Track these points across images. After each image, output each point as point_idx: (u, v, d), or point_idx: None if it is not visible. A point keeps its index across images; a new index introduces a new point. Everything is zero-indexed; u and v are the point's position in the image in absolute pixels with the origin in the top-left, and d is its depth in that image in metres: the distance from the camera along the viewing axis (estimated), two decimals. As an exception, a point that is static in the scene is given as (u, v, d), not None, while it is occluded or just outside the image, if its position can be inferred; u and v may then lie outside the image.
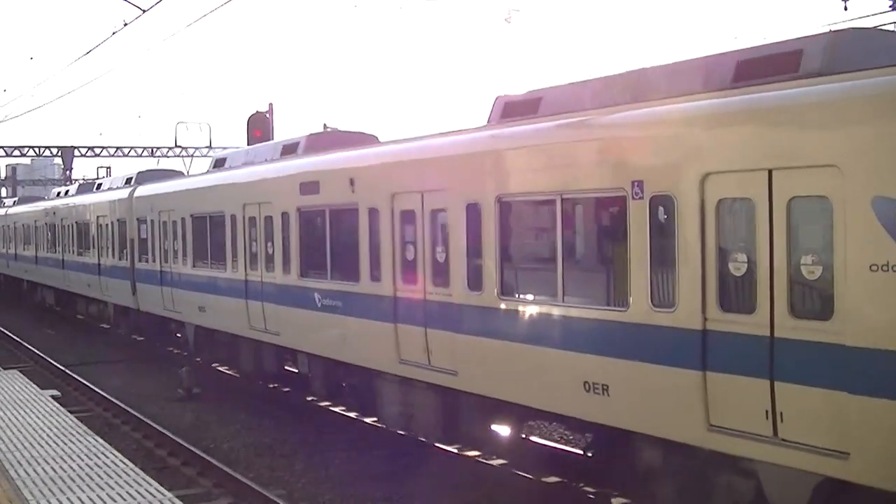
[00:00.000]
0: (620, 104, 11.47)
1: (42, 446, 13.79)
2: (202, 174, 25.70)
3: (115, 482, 11.84)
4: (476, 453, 16.36)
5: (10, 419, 15.75)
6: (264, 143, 24.50)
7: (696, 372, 9.81)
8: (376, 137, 19.83)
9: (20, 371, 22.61)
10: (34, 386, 19.38)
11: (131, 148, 68.91)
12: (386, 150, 16.49)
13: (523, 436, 15.98)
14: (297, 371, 20.29)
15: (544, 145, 12.35)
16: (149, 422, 19.84)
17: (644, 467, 11.13)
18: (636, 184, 10.58)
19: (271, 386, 22.86)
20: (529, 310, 12.37)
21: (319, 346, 17.89)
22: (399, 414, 15.88)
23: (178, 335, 26.46)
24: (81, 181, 50.70)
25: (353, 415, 19.94)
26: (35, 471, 12.41)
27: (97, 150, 69.09)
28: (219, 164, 24.36)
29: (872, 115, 8.51)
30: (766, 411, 9.12)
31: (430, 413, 15.07)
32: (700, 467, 10.23)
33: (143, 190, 28.16)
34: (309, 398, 21.25)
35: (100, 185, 36.70)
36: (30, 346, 31.98)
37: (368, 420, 19.03)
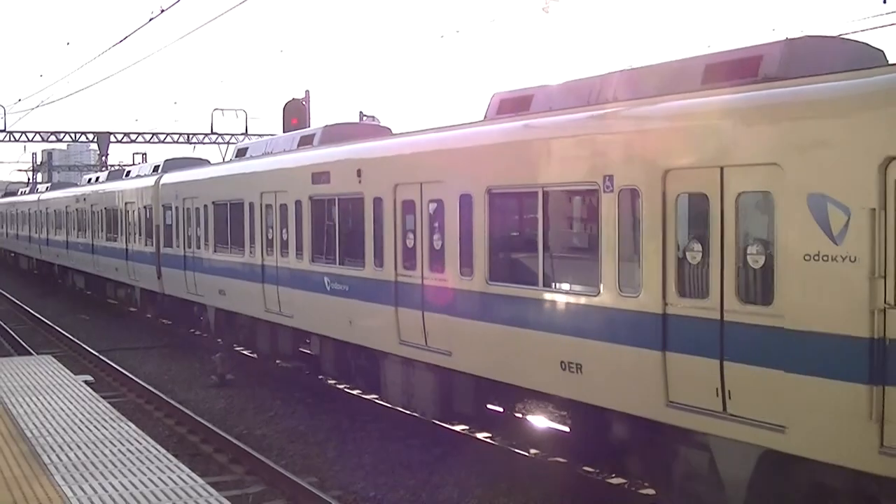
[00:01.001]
0: (600, 104, 12.46)
1: (74, 431, 13.74)
2: (224, 163, 26.87)
3: (148, 468, 11.76)
4: (510, 443, 16.21)
5: (43, 404, 15.73)
6: (284, 134, 25.07)
7: (657, 352, 10.80)
8: (390, 129, 20.97)
9: (54, 356, 22.64)
10: (67, 371, 19.36)
11: (167, 134, 68.94)
12: (389, 143, 17.52)
13: (519, 415, 16.93)
14: (310, 353, 21.07)
15: (528, 141, 13.33)
16: (182, 408, 19.83)
17: (615, 442, 12.29)
18: (607, 178, 11.54)
19: (292, 367, 22.77)
20: (514, 294, 13.32)
21: (328, 327, 18.93)
22: (401, 392, 16.76)
23: (201, 318, 27.29)
24: (113, 168, 51.08)
25: (386, 403, 19.83)
26: (67, 456, 12.35)
27: (133, 137, 69.19)
28: (241, 153, 25.30)
29: (810, 117, 9.36)
30: (717, 389, 10.11)
31: (427, 391, 15.97)
32: (662, 441, 11.27)
33: (169, 178, 29.05)
34: (341, 385, 21.17)
35: (129, 172, 37.69)
36: (63, 332, 32.12)
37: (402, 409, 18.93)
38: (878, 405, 8.63)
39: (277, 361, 23.58)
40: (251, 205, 21.96)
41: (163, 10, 22.39)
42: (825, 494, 9.55)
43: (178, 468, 11.85)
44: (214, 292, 24.71)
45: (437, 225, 14.98)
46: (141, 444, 13.07)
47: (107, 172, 43.75)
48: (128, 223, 32.86)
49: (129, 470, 11.70)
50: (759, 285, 9.85)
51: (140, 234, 31.28)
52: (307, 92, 39.21)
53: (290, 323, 20.38)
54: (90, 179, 43.73)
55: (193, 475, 11.60)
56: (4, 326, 33.99)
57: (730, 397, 10.00)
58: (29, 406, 15.56)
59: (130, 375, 23.70)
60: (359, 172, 17.26)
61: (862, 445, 8.76)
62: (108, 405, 15.94)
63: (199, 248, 25.71)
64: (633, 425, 11.73)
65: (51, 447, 12.82)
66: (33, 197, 55.98)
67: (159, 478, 11.35)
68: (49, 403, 15.80)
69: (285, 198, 20.28)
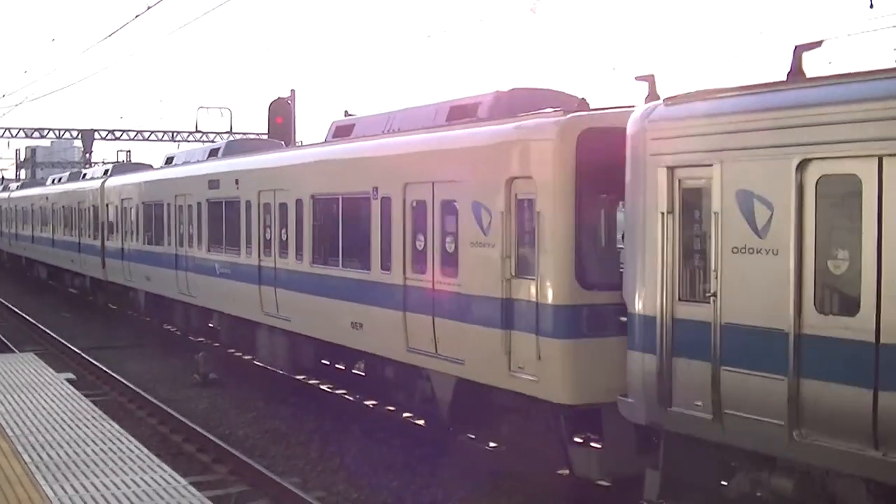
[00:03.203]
0: (386, 134, 17.23)
1: (56, 430, 13.68)
2: (155, 170, 32.11)
3: (130, 468, 11.72)
4: (494, 445, 16.19)
5: (24, 402, 15.66)
6: (200, 147, 30.02)
7: (400, 312, 15.31)
8: (282, 144, 27.07)
9: (35, 354, 22.54)
10: (49, 369, 19.29)
11: (152, 132, 68.72)
12: (256, 159, 22.37)
13: (340, 366, 20.51)
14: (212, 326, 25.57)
15: (335, 160, 18.35)
16: (164, 407, 19.76)
17: (388, 379, 17.03)
18: (374, 189, 16.22)
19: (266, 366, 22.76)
20: (325, 273, 18.07)
21: (215, 302, 24.02)
22: (267, 353, 21.64)
23: (135, 303, 31.84)
24: (74, 170, 53.49)
25: (369, 403, 19.82)
26: (49, 455, 12.29)
27: (118, 134, 68.92)
28: (168, 161, 30.23)
29: (471, 152, 14.22)
30: (431, 337, 14.55)
31: (281, 351, 20.67)
32: (406, 376, 16.11)
33: (112, 181, 33.69)
34: (325, 386, 21.11)
35: (85, 174, 41.55)
36: (45, 329, 31.98)
37: (386, 408, 18.91)
38: (506, 344, 12.96)
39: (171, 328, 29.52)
40: (168, 205, 26.75)
41: (149, 8, 22.30)
42: (495, 411, 14.21)
43: (161, 468, 11.81)
44: (143, 278, 29.41)
45: (284, 220, 19.63)
46: (123, 443, 13.02)
47: (68, 174, 47.22)
48: (80, 220, 37.32)
49: (111, 469, 11.65)
50: (448, 261, 14.33)
51: (89, 230, 35.78)
52: (293, 91, 39.11)
53: (192, 301, 25.55)
54: (54, 180, 47.30)
55: (176, 475, 11.56)
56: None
57: (438, 342, 14.42)
58: (10, 404, 15.49)
59: (113, 374, 23.60)
60: (236, 181, 22.19)
61: (501, 370, 13.07)
62: (90, 404, 15.88)
63: (132, 241, 30.33)
64: (394, 366, 16.43)
65: (32, 446, 12.75)
66: (4, 195, 59.87)
67: (141, 477, 11.31)
68: (31, 402, 15.73)
69: (192, 199, 24.95)
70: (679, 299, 10.61)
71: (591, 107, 13.75)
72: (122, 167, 38.02)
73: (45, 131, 68.95)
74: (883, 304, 8.55)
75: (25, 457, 12.22)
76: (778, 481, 9.80)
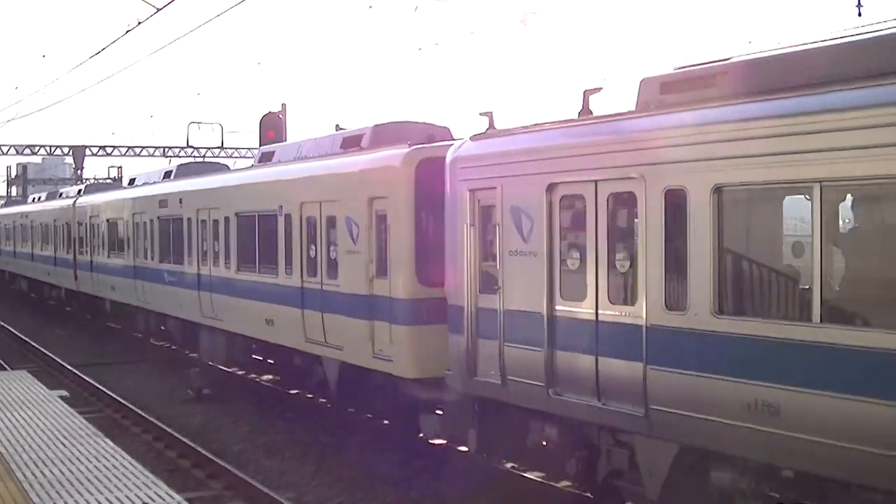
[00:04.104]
0: (287, 161, 20.62)
1: (50, 447, 13.62)
2: (119, 189, 35.44)
3: (125, 484, 11.66)
4: (490, 458, 16.16)
5: (17, 420, 15.60)
6: (157, 170, 32.14)
7: (299, 310, 18.46)
8: (227, 167, 30.40)
9: (28, 371, 22.45)
10: (42, 386, 19.22)
11: (143, 147, 68.66)
12: (196, 181, 25.78)
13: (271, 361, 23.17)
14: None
15: (253, 184, 21.85)
16: (158, 423, 19.70)
17: (296, 367, 20.20)
18: (280, 207, 19.45)
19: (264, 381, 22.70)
20: (246, 278, 21.32)
21: (162, 306, 27.55)
22: (208, 350, 24.85)
23: (104, 310, 35.08)
24: (52, 190, 54.23)
25: (366, 415, 19.77)
26: (42, 472, 12.23)
27: (109, 150, 68.84)
28: (131, 182, 33.46)
29: (340, 177, 17.64)
30: (321, 330, 17.67)
31: (218, 347, 23.95)
32: (306, 364, 19.52)
33: (83, 200, 37.07)
34: (321, 400, 21.07)
35: (62, 193, 44.35)
36: (38, 346, 31.89)
37: (381, 421, 18.87)
38: (371, 331, 16.06)
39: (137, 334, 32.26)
40: (127, 222, 30.33)
41: (139, 23, 22.23)
42: (368, 388, 17.19)
43: (156, 484, 11.76)
44: (108, 288, 32.73)
45: (216, 235, 22.94)
46: (118, 460, 12.97)
47: (46, 193, 50.91)
48: (55, 236, 40.65)
49: (106, 487, 11.60)
50: (331, 267, 17.53)
51: (63, 245, 39.12)
52: (284, 105, 39.14)
53: (149, 307, 28.80)
54: (34, 198, 51.30)
55: (171, 491, 11.52)
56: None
57: (327, 333, 17.52)
58: (3, 422, 15.41)
59: (106, 391, 23.54)
60: (180, 201, 25.53)
61: (367, 353, 16.24)
62: (84, 421, 15.82)
63: (99, 255, 33.56)
64: (298, 355, 19.58)
65: (25, 464, 12.69)
66: None
67: (136, 494, 11.26)
68: (24, 419, 15.66)
69: (146, 217, 28.41)
70: (479, 292, 13.45)
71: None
72: (93, 186, 41.69)
73: (37, 148, 68.91)
74: (600, 292, 11.45)
75: (19, 475, 12.16)
76: (550, 430, 12.69)
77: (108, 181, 46.34)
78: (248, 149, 58.97)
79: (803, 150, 9.20)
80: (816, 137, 9.10)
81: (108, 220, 32.49)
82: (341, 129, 20.95)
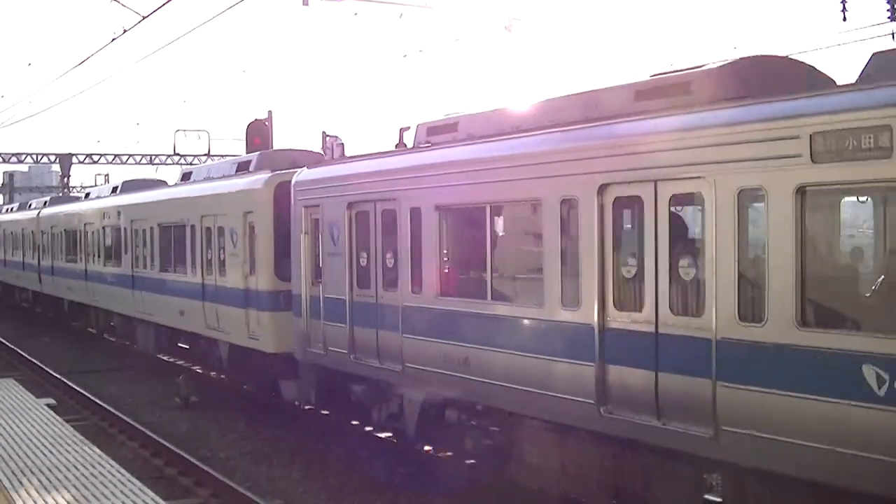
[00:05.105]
0: (196, 181, 25.16)
1: (37, 455, 13.63)
2: (77, 202, 39.57)
3: (111, 492, 11.69)
4: (477, 464, 16.21)
5: (4, 428, 15.60)
6: (106, 185, 38.04)
7: (201, 302, 22.59)
8: (165, 182, 33.66)
9: (15, 379, 22.44)
10: (29, 394, 19.24)
11: (129, 155, 68.54)
12: (129, 196, 30.40)
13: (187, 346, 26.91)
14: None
15: (170, 200, 26.12)
16: (145, 430, 19.67)
17: (200, 349, 24.87)
18: (188, 219, 23.71)
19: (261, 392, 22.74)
20: (165, 277, 25.54)
21: (105, 301, 32.05)
22: (142, 341, 29.19)
23: (66, 309, 39.29)
24: (25, 202, 55.70)
25: (353, 423, 19.78)
26: (29, 480, 12.26)
27: (95, 158, 68.72)
28: (87, 196, 38.42)
29: (252, 194, 20.74)
30: (216, 318, 21.78)
31: (150, 338, 28.30)
32: (208, 346, 23.68)
33: (45, 211, 41.87)
34: (306, 407, 21.09)
35: (31, 205, 48.69)
36: (25, 354, 31.81)
37: (368, 428, 18.90)
38: (246, 317, 20.26)
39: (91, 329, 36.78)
40: (78, 231, 34.84)
41: (125, 31, 22.28)
42: (249, 363, 21.40)
43: (143, 492, 11.80)
44: (66, 289, 37.43)
45: (144, 241, 27.33)
46: (105, 467, 13.00)
47: (17, 204, 55.95)
48: (24, 243, 45.35)
49: (93, 494, 11.62)
50: (221, 267, 21.72)
51: (30, 251, 43.68)
52: (270, 113, 39.17)
53: (97, 305, 33.39)
54: (8, 209, 55.80)
55: (157, 498, 11.56)
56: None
57: (220, 320, 21.65)
58: (-10, 430, 15.40)
59: (93, 398, 23.50)
60: (119, 213, 29.91)
61: (244, 335, 20.50)
62: (70, 429, 15.85)
63: (58, 260, 38.18)
64: (203, 340, 23.84)
65: (13, 472, 12.71)
66: None
67: (123, 502, 11.30)
68: (11, 427, 15.67)
69: (94, 227, 32.81)
70: (311, 284, 17.56)
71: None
72: (56, 199, 46.48)
73: (23, 156, 68.72)
74: (379, 281, 15.56)
75: (6, 482, 12.18)
76: (356, 388, 16.85)
77: (69, 196, 49.93)
78: (235, 156, 58.87)
79: None
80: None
81: (65, 230, 37.20)
82: (329, 136, 21.94)
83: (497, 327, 12.67)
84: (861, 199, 9.71)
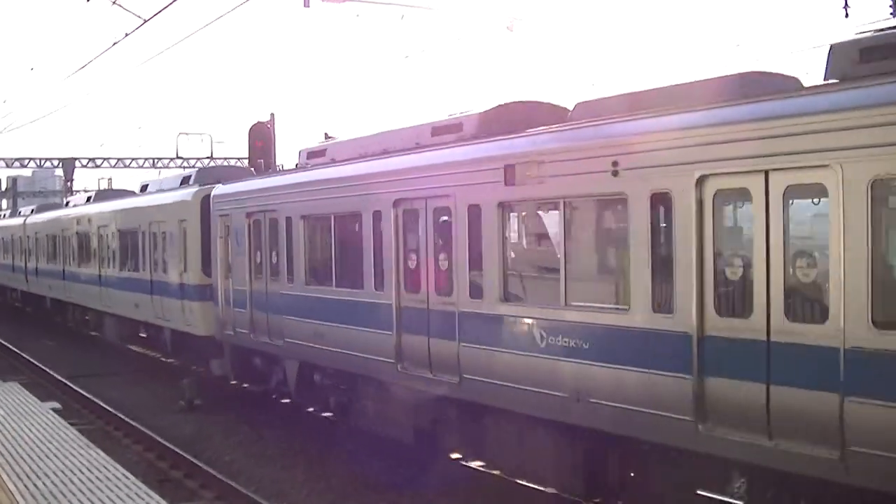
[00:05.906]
0: (153, 192, 29.21)
1: (42, 460, 13.71)
2: (61, 209, 41.96)
3: (117, 495, 11.77)
4: (479, 463, 16.29)
5: (9, 432, 15.68)
6: (82, 194, 44.87)
7: (149, 296, 26.66)
8: (134, 192, 35.43)
9: (20, 383, 22.52)
10: (34, 398, 19.31)
11: (133, 159, 68.65)
12: (98, 205, 34.54)
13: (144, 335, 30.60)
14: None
15: (126, 209, 30.26)
16: (150, 434, 19.77)
17: (159, 339, 27.98)
18: (139, 225, 27.98)
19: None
20: (125, 276, 29.39)
21: (82, 299, 35.63)
22: (106, 333, 33.59)
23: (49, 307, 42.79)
24: (19, 209, 58.26)
25: (353, 423, 19.84)
26: (35, 485, 12.33)
27: (98, 162, 68.83)
28: (66, 204, 42.23)
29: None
30: (161, 308, 25.79)
31: (113, 329, 32.47)
32: (157, 333, 27.90)
33: (31, 218, 45.83)
34: (309, 409, 21.18)
35: (20, 212, 52.61)
36: (29, 358, 31.91)
37: (371, 430, 18.96)
38: (182, 307, 24.28)
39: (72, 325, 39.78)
40: (60, 236, 38.51)
41: (127, 35, 22.36)
42: (188, 345, 25.42)
43: (148, 495, 11.87)
44: (47, 288, 41.37)
45: (108, 244, 31.34)
46: (110, 471, 13.07)
47: (10, 210, 59.93)
48: (13, 247, 49.11)
49: (99, 498, 11.70)
50: (164, 265, 26.01)
51: (18, 254, 47.52)
52: (272, 115, 39.19)
53: (74, 301, 37.25)
54: (1, 216, 59.22)
55: (163, 502, 11.62)
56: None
57: (163, 311, 25.64)
58: (-4, 435, 15.47)
59: (98, 402, 23.59)
60: (89, 220, 33.96)
61: (181, 321, 24.65)
62: (75, 432, 15.91)
63: (41, 262, 42.08)
64: (153, 327, 27.89)
65: (18, 476, 12.78)
66: None
67: (128, 505, 11.35)
68: (16, 432, 15.74)
69: (69, 232, 36.78)
70: (225, 278, 21.59)
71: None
72: (42, 207, 49.89)
73: (26, 161, 68.83)
74: (268, 273, 19.66)
75: (11, 486, 12.25)
76: (256, 361, 21.12)
77: (52, 203, 53.25)
78: (238, 158, 58.95)
79: None
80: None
81: (46, 235, 41.21)
82: (329, 137, 21.49)
83: (341, 308, 16.93)
84: None
